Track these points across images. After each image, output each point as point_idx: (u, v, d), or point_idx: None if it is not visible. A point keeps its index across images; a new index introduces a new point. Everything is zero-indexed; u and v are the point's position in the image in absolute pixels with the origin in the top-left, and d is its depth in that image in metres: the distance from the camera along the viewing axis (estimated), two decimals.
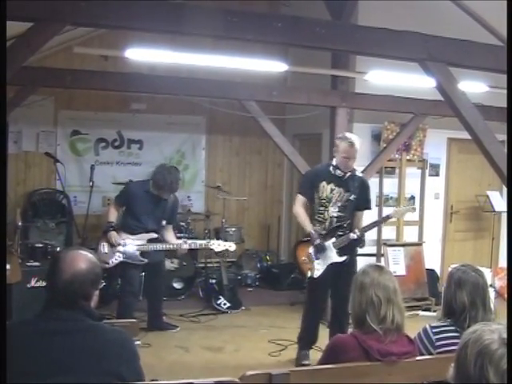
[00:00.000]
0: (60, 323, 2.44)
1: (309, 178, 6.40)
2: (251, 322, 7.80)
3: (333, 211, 6.03)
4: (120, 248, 6.72)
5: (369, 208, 6.23)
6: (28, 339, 2.40)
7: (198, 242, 7.31)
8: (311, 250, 6.09)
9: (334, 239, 6.00)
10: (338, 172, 6.03)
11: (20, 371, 2.34)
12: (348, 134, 6.15)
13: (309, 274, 6.09)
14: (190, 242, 7.10)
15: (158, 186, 6.75)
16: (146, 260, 6.79)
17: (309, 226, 6.12)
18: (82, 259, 2.57)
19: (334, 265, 6.01)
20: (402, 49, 4.60)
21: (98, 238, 7.24)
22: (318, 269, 6.03)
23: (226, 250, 7.36)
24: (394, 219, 8.85)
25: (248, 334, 7.28)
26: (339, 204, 6.02)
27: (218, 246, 7.05)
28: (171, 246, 6.91)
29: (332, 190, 6.03)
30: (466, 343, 1.88)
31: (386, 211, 8.73)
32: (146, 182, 6.96)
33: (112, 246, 6.72)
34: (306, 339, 6.35)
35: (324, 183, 6.06)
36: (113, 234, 6.74)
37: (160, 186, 6.73)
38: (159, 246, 6.87)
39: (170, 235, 7.12)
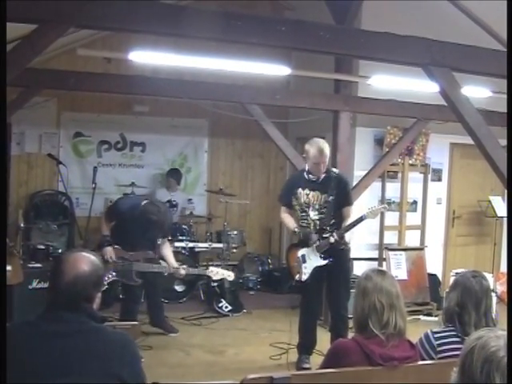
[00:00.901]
0: (62, 325, 2.43)
1: (287, 188, 6.45)
2: (252, 325, 7.80)
3: (313, 215, 6.06)
4: (115, 265, 6.49)
5: (350, 204, 6.18)
6: (30, 341, 2.40)
7: (196, 270, 7.34)
8: (299, 254, 6.13)
9: (317, 242, 6.00)
10: (311, 176, 6.09)
11: (22, 373, 2.34)
12: (317, 140, 6.14)
13: (297, 277, 6.14)
14: (188, 268, 6.93)
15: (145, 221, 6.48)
16: (140, 281, 6.56)
17: (292, 225, 6.25)
18: (85, 261, 2.56)
19: (321, 268, 6.03)
20: (406, 53, 4.61)
21: (99, 240, 7.20)
22: (305, 273, 6.06)
23: (224, 279, 7.24)
24: (395, 223, 8.93)
25: (249, 338, 7.28)
26: (317, 207, 6.03)
27: (216, 273, 6.75)
28: (167, 270, 6.70)
29: (307, 195, 6.07)
30: (471, 349, 1.88)
31: (389, 216, 8.79)
32: (138, 200, 6.71)
33: (106, 262, 6.39)
34: (304, 345, 6.35)
35: (300, 189, 6.12)
36: (108, 250, 6.47)
37: (149, 224, 6.46)
38: (155, 267, 6.63)
39: (167, 252, 6.84)
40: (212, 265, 9.04)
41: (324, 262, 5.99)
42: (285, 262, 10.82)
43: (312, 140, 6.18)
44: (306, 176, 6.13)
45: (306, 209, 6.09)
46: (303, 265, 6.09)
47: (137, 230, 6.51)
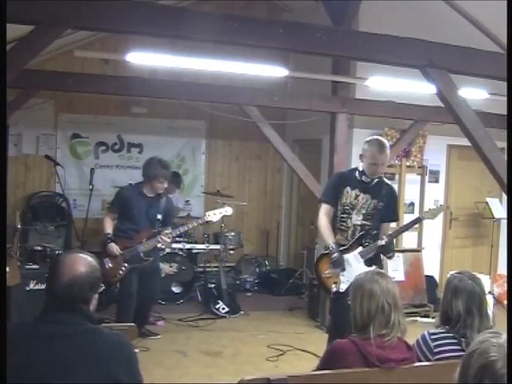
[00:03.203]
0: (59, 326, 2.43)
1: (332, 184, 5.77)
2: (250, 326, 7.79)
3: (356, 219, 5.47)
4: (123, 257, 6.59)
5: (396, 220, 5.75)
6: (27, 342, 2.40)
7: (194, 223, 7.23)
8: None
9: (360, 248, 5.43)
10: (365, 178, 5.47)
11: (18, 374, 2.34)
12: (377, 138, 5.56)
13: (334, 288, 5.40)
14: (184, 226, 7.04)
15: (150, 177, 6.68)
16: (150, 258, 6.71)
17: (329, 239, 5.46)
18: (82, 263, 2.56)
19: None
20: (403, 55, 4.61)
21: (97, 241, 7.21)
22: (344, 281, 5.32)
23: (224, 217, 7.28)
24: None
25: (246, 339, 7.27)
26: (364, 211, 5.46)
27: (213, 215, 6.90)
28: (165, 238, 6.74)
29: (357, 196, 5.47)
30: (472, 352, 1.84)
31: None
32: (138, 184, 6.89)
33: (114, 257, 6.57)
34: None
35: (348, 188, 5.50)
36: (112, 245, 6.59)
37: (153, 177, 6.66)
38: (151, 243, 6.70)
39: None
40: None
41: (370, 269, 5.12)
42: (282, 264, 10.97)
43: (372, 138, 5.58)
44: (358, 176, 5.50)
45: (350, 211, 5.48)
46: (341, 273, 5.39)
47: (139, 210, 6.73)
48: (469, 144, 4.89)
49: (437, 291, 8.86)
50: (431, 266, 9.26)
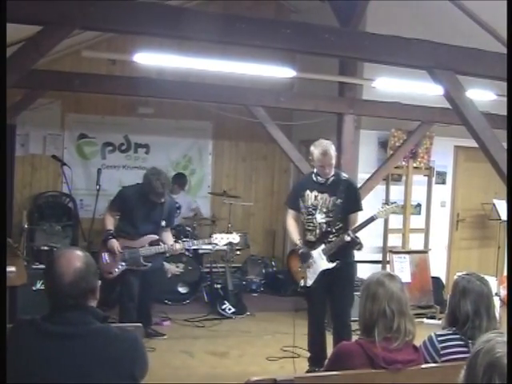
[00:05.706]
0: (69, 327, 2.40)
1: (294, 190, 6.33)
2: (256, 327, 7.79)
3: (320, 218, 5.85)
4: (122, 255, 6.61)
5: (360, 209, 5.98)
6: (36, 342, 2.38)
7: (200, 241, 7.31)
8: None
9: (322, 246, 5.81)
10: (320, 178, 5.90)
11: (30, 374, 2.33)
12: (321, 142, 5.91)
13: (301, 283, 5.92)
14: (191, 242, 7.11)
15: (147, 192, 6.65)
16: (149, 264, 6.69)
17: (295, 237, 6.06)
18: (75, 258, 2.48)
19: (327, 272, 5.80)
20: (411, 56, 4.60)
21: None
22: (310, 277, 5.86)
23: (230, 243, 7.35)
24: (399, 226, 8.91)
25: (252, 340, 7.27)
26: (325, 210, 5.84)
27: (221, 239, 6.97)
28: (163, 248, 6.79)
29: (316, 197, 5.89)
30: (478, 352, 1.86)
31: (393, 218, 8.77)
32: (141, 185, 6.82)
33: (113, 254, 6.58)
34: (315, 357, 6.10)
35: (308, 191, 5.94)
36: (113, 241, 6.60)
37: (147, 191, 6.63)
38: (160, 249, 6.75)
39: (167, 237, 6.98)
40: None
41: (332, 265, 5.76)
42: (286, 268, 10.94)
43: (317, 141, 5.95)
44: (314, 178, 5.94)
45: (313, 211, 5.89)
46: (308, 269, 5.87)
47: (141, 212, 6.72)
48: (476, 145, 4.88)
49: (443, 292, 8.84)
50: (438, 267, 9.24)
